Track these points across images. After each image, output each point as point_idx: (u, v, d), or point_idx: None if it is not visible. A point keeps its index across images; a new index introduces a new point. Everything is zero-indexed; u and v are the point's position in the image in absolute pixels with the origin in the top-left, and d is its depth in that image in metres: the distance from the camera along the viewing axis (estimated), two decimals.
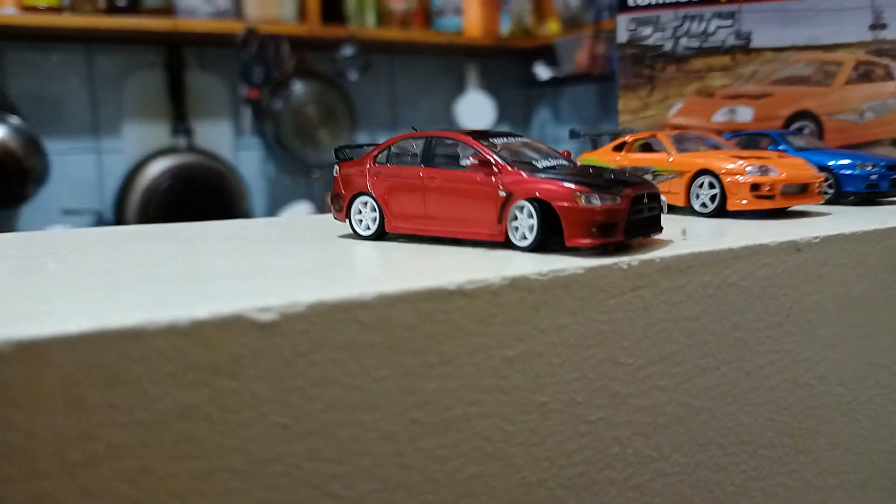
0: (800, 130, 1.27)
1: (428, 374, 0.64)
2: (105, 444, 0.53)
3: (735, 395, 0.81)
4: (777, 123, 1.33)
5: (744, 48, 1.34)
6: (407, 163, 0.85)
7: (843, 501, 0.94)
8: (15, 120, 2.44)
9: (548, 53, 3.24)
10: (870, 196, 1.13)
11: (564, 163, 0.82)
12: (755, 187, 0.97)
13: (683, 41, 1.38)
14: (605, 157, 1.12)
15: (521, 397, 0.68)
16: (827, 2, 1.26)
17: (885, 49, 1.25)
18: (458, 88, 3.39)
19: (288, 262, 0.75)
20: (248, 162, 3.08)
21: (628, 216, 0.74)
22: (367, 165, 0.88)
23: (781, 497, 0.87)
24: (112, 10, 2.62)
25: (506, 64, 3.43)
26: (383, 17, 3.16)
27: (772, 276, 0.82)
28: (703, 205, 1.00)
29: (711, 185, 0.99)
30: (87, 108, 2.78)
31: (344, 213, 0.90)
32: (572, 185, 0.73)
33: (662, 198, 0.80)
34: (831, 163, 1.11)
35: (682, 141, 1.08)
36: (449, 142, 0.83)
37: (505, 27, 3.28)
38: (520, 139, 0.85)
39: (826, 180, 1.08)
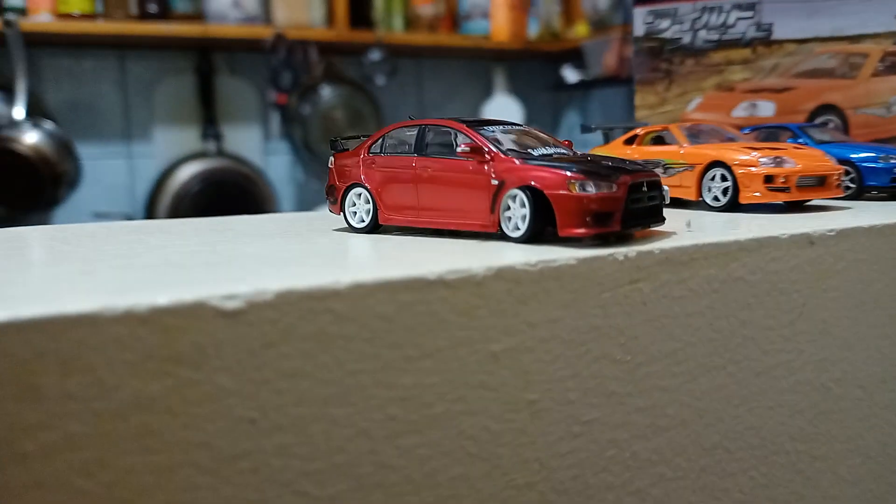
0: (824, 125, 1.22)
1: (406, 369, 0.60)
2: (60, 435, 0.51)
3: (743, 397, 0.77)
4: (800, 118, 1.27)
5: (765, 40, 1.29)
6: (400, 152, 0.82)
7: None
8: (49, 125, 2.47)
9: (576, 56, 3.20)
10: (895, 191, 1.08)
11: (563, 151, 0.79)
12: (769, 179, 0.92)
13: (702, 34, 1.33)
14: (616, 151, 1.08)
15: (508, 395, 0.64)
16: None
17: None
18: (486, 92, 3.36)
19: (270, 251, 0.73)
20: (277, 166, 3.09)
21: (626, 205, 0.70)
22: (361, 156, 0.85)
23: None
24: (144, 16, 2.65)
25: (533, 67, 3.39)
26: (411, 21, 3.15)
27: (783, 270, 0.77)
28: (716, 198, 0.96)
29: (724, 178, 0.95)
30: (120, 114, 2.81)
31: (338, 205, 0.87)
32: (566, 172, 0.70)
33: (665, 187, 0.76)
34: (853, 155, 1.06)
35: (696, 133, 1.04)
36: (443, 130, 0.80)
37: (533, 31, 3.24)
38: (518, 127, 0.82)
39: (847, 174, 1.03)
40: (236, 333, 0.55)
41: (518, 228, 0.72)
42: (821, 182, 0.95)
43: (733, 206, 0.95)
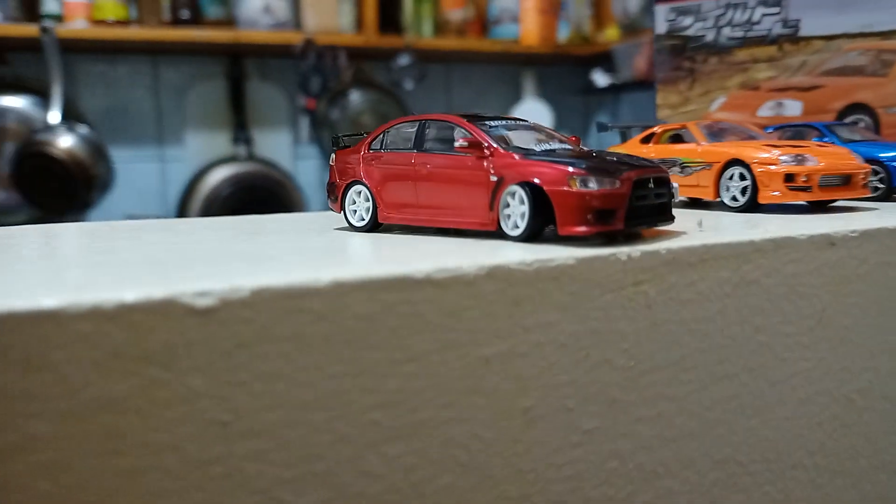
0: (854, 124, 1.16)
1: (390, 372, 0.57)
2: (21, 436, 0.49)
3: (758, 408, 0.72)
4: (828, 118, 1.22)
5: (791, 37, 1.24)
6: (400, 149, 0.79)
7: None
8: (83, 129, 2.50)
9: (606, 60, 3.15)
10: None
11: (567, 147, 0.75)
12: (789, 178, 0.87)
13: (726, 31, 1.28)
14: (632, 150, 1.04)
15: (500, 401, 0.61)
16: None
17: None
18: (515, 97, 3.33)
19: (260, 249, 0.70)
20: (306, 170, 3.09)
21: (630, 202, 0.67)
22: (362, 153, 0.83)
23: None
24: (176, 22, 2.68)
25: (563, 71, 3.35)
26: (440, 26, 3.13)
27: (801, 273, 0.73)
28: (734, 198, 0.91)
29: (742, 177, 0.90)
30: (152, 118, 2.85)
31: (339, 203, 0.85)
32: (567, 168, 0.66)
33: (675, 184, 0.72)
34: (882, 155, 1.00)
35: (715, 131, 0.99)
36: (443, 125, 0.77)
37: (563, 35, 3.20)
38: (522, 123, 0.79)
39: (875, 173, 0.98)
40: (208, 332, 0.52)
41: (517, 227, 0.69)
42: (846, 181, 0.90)
43: (752, 206, 0.90)
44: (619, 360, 0.65)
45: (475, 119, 0.76)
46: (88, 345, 0.49)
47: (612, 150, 1.09)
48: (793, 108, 1.25)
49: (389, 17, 3.00)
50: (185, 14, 2.71)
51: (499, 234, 0.71)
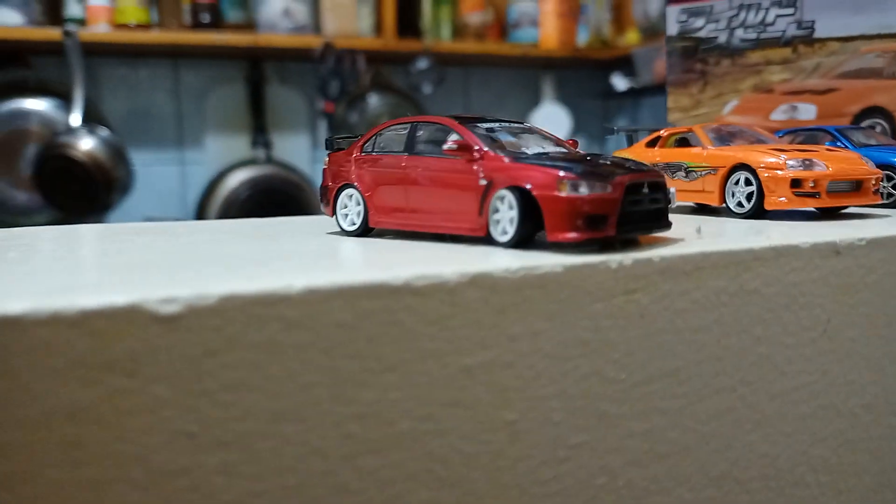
0: (871, 129, 1.13)
1: (367, 382, 0.55)
2: None
3: (757, 422, 0.69)
4: (844, 122, 1.18)
5: (806, 39, 1.20)
6: (391, 151, 0.77)
7: None
8: (104, 132, 2.52)
9: (626, 64, 3.12)
10: None
11: (561, 150, 0.73)
12: (796, 183, 0.84)
13: (739, 32, 1.25)
14: (638, 154, 1.01)
15: (483, 413, 0.59)
16: None
17: None
18: (534, 101, 3.31)
19: (245, 253, 0.69)
20: None
21: (623, 208, 0.64)
22: (354, 155, 0.81)
23: None
24: (197, 26, 2.70)
25: (582, 75, 3.32)
26: (459, 30, 3.12)
27: (803, 282, 0.70)
28: (739, 204, 0.88)
29: (748, 182, 0.87)
30: (172, 121, 2.87)
31: (331, 207, 0.83)
32: (557, 171, 0.64)
33: (672, 189, 0.70)
34: None
35: (722, 135, 0.96)
36: (434, 127, 0.75)
37: (582, 38, 3.18)
38: (517, 125, 0.77)
39: (889, 179, 0.94)
40: (174, 340, 0.50)
41: (506, 232, 0.67)
42: (856, 187, 0.86)
43: (759, 212, 0.87)
44: (609, 371, 0.63)
45: (467, 121, 0.74)
46: (50, 352, 0.48)
47: (617, 153, 1.07)
48: (807, 112, 1.21)
49: (408, 21, 3.00)
50: (205, 18, 2.73)
51: (490, 240, 0.69)
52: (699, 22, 1.28)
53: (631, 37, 3.14)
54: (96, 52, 2.59)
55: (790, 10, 1.21)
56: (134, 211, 2.68)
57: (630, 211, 0.65)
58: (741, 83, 1.26)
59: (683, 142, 1.00)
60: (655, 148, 1.02)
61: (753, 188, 0.87)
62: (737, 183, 0.88)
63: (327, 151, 0.86)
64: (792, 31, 1.21)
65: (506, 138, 0.72)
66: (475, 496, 0.59)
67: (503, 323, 0.59)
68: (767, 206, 0.86)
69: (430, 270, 0.56)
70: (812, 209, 0.90)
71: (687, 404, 0.66)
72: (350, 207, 0.81)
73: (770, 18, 1.22)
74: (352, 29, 2.90)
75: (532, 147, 0.72)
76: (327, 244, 0.76)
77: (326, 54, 2.82)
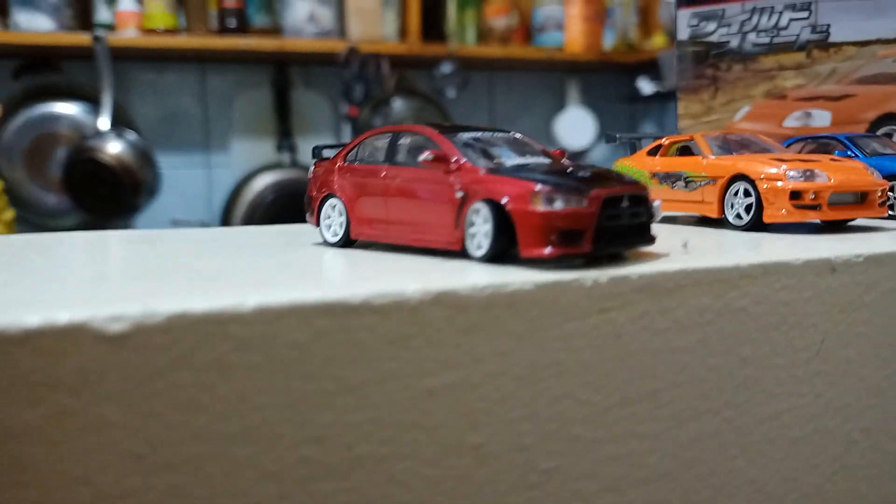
0: (888, 136, 1.08)
1: (323, 404, 0.54)
2: None
3: (744, 447, 0.66)
4: (859, 129, 1.14)
5: (821, 43, 1.16)
6: (372, 161, 0.76)
7: None
8: (132, 136, 2.56)
9: (652, 68, 3.08)
10: None
11: (544, 160, 0.71)
12: (796, 195, 0.81)
13: (751, 37, 1.21)
14: (639, 163, 0.99)
15: (447, 437, 0.57)
16: None
17: None
18: (559, 105, 3.27)
19: (217, 267, 0.67)
20: None
21: (600, 222, 0.61)
22: (337, 164, 0.79)
23: None
24: (223, 31, 2.71)
25: (608, 79, 3.28)
26: (483, 34, 3.10)
27: (795, 301, 0.67)
28: (738, 216, 0.85)
29: (747, 193, 0.84)
30: (199, 125, 2.89)
31: (315, 217, 0.82)
32: (532, 185, 0.61)
33: (656, 202, 0.67)
34: None
35: (725, 143, 0.93)
36: (414, 137, 0.73)
37: (608, 42, 3.14)
38: (501, 134, 0.74)
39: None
40: (121, 359, 0.49)
41: (481, 247, 0.64)
42: (860, 199, 0.83)
43: (759, 225, 0.84)
44: (582, 393, 0.60)
45: (448, 130, 0.72)
46: None
47: (619, 162, 1.04)
48: (821, 119, 1.17)
49: (433, 25, 2.99)
50: (231, 23, 2.74)
51: (463, 254, 0.67)
52: (711, 26, 1.25)
53: (657, 40, 3.10)
54: (125, 56, 2.62)
55: (804, 14, 1.16)
56: (161, 214, 2.71)
57: (608, 226, 0.62)
58: (753, 89, 1.22)
59: (685, 150, 0.97)
60: (657, 157, 0.99)
61: (752, 200, 0.83)
62: (736, 194, 0.85)
63: (313, 160, 0.84)
64: (806, 35, 1.17)
65: (487, 149, 0.70)
66: None
67: (469, 343, 0.57)
68: (766, 219, 0.82)
69: (391, 288, 0.55)
70: (816, 222, 0.87)
71: (667, 428, 0.63)
72: (333, 218, 0.79)
73: (783, 22, 1.18)
74: (376, 33, 2.90)
75: (513, 158, 0.70)
76: (304, 256, 0.74)
77: (351, 59, 2.82)
